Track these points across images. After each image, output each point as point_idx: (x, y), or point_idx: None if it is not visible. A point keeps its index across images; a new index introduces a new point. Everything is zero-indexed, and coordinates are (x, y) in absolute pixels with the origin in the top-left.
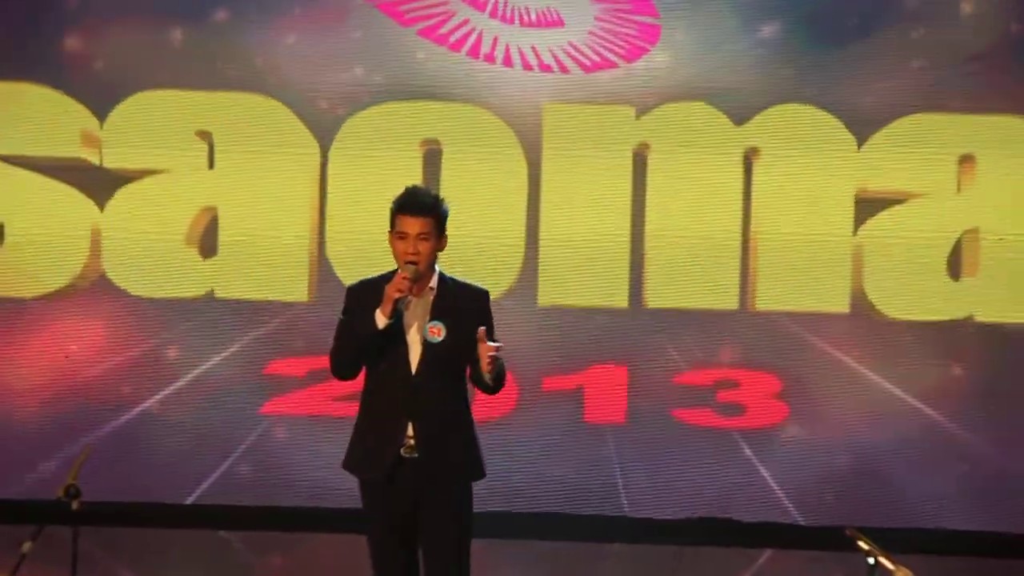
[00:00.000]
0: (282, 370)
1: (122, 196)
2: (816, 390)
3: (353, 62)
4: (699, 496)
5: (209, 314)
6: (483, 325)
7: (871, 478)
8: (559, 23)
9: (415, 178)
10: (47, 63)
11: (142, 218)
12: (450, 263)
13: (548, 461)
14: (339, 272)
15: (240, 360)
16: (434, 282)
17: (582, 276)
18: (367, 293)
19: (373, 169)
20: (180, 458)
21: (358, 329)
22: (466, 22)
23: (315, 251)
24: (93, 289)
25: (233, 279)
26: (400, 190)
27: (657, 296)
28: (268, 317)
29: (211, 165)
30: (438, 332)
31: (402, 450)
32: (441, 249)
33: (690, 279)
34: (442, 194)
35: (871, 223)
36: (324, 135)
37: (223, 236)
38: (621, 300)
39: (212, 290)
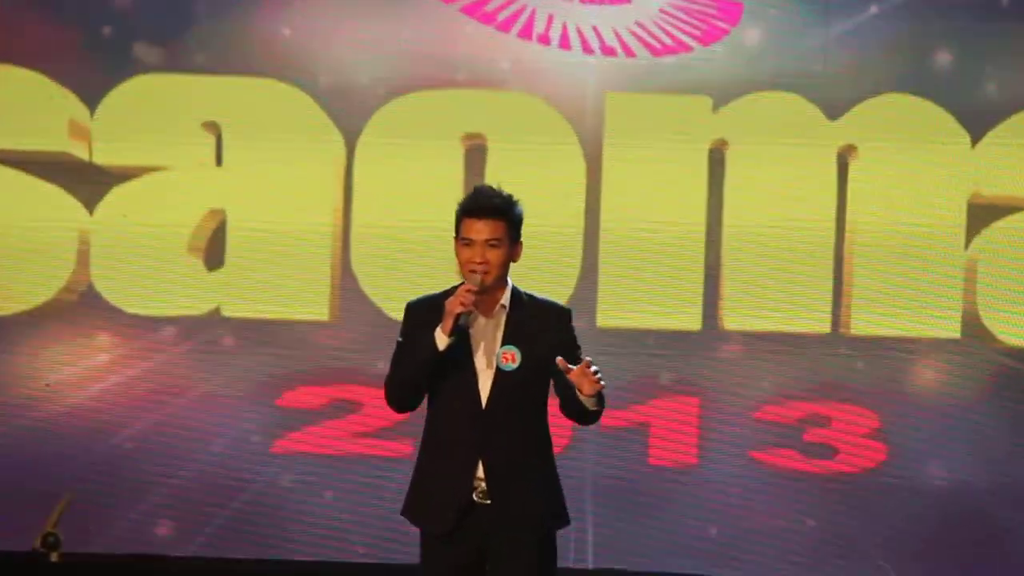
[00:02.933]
0: (298, 401)
1: (115, 197)
2: (920, 429)
3: (384, 43)
4: (781, 553)
5: (214, 335)
6: (565, 348)
7: (983, 531)
8: (625, 0)
9: (455, 178)
10: (29, 42)
11: (138, 222)
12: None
13: (606, 510)
14: (366, 288)
15: (250, 389)
16: (506, 298)
17: (648, 293)
18: (430, 311)
19: (407, 167)
20: (176, 503)
21: (416, 352)
22: None
23: (338, 263)
24: (80, 304)
25: (243, 294)
26: (438, 190)
27: (735, 316)
28: (283, 339)
29: (219, 161)
30: (512, 358)
31: (474, 495)
32: (515, 259)
33: (774, 296)
34: None
35: (986, 233)
36: (350, 128)
37: (232, 244)
38: (693, 321)
39: (218, 307)
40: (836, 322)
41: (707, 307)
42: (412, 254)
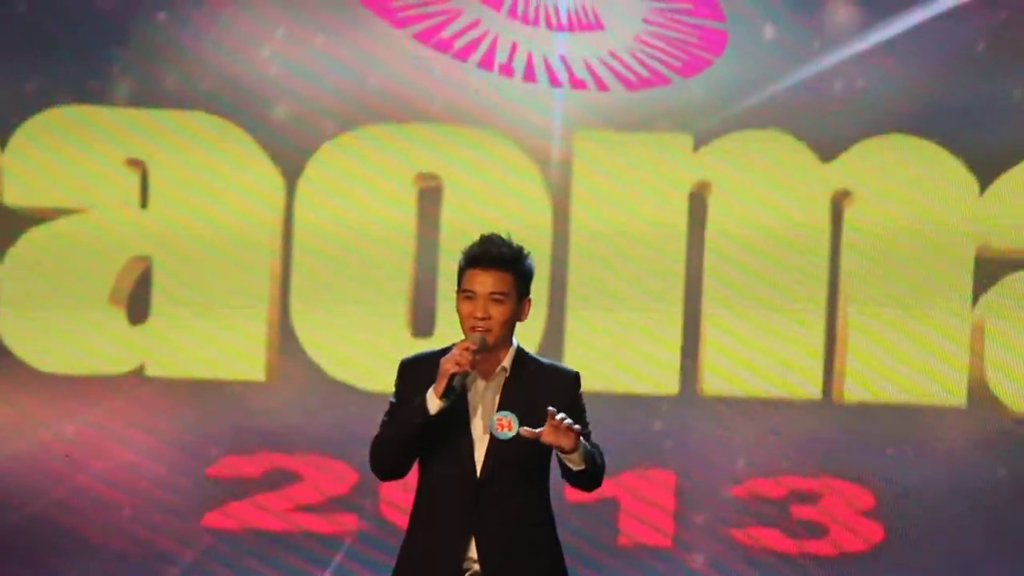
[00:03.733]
0: (231, 470)
1: (27, 242)
2: (921, 507)
3: (329, 73)
4: None
5: (138, 396)
6: (571, 414)
7: None
8: (597, 26)
9: (407, 223)
10: None
11: (53, 270)
12: (454, 336)
13: None
14: (307, 346)
15: (177, 456)
16: (508, 360)
17: (622, 354)
18: (425, 369)
19: (353, 210)
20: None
21: (406, 414)
22: (476, 23)
23: (276, 318)
24: None
25: (169, 352)
26: (388, 236)
27: (716, 379)
28: (214, 401)
29: (144, 203)
30: (508, 425)
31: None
32: (522, 318)
33: (759, 359)
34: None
35: (995, 291)
36: (291, 166)
37: (157, 296)
38: (670, 385)
39: (142, 365)
40: (828, 387)
41: (685, 370)
42: (358, 309)
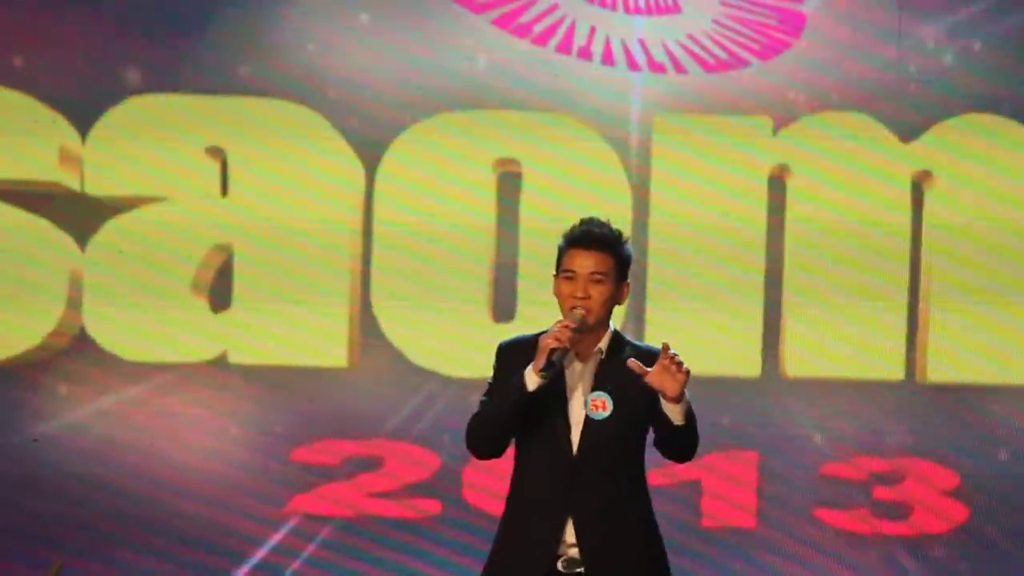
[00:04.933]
0: (313, 457)
1: (109, 231)
2: (1006, 486)
3: (409, 60)
4: None
5: (220, 383)
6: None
7: None
8: (675, 9)
9: (487, 208)
10: (10, 57)
11: (135, 259)
12: (534, 322)
13: None
14: (388, 332)
15: (259, 442)
16: (604, 343)
17: (703, 336)
18: (522, 353)
19: (433, 197)
20: (181, 566)
21: (505, 392)
22: (555, 7)
23: (358, 304)
24: (71, 350)
25: (252, 339)
26: (469, 222)
27: (798, 362)
28: (296, 388)
29: (224, 191)
30: (602, 406)
31: (559, 563)
32: (620, 301)
33: (842, 339)
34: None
35: None
36: (370, 153)
37: (240, 283)
38: (752, 367)
39: (225, 352)
40: (912, 368)
41: (767, 351)
42: (439, 295)
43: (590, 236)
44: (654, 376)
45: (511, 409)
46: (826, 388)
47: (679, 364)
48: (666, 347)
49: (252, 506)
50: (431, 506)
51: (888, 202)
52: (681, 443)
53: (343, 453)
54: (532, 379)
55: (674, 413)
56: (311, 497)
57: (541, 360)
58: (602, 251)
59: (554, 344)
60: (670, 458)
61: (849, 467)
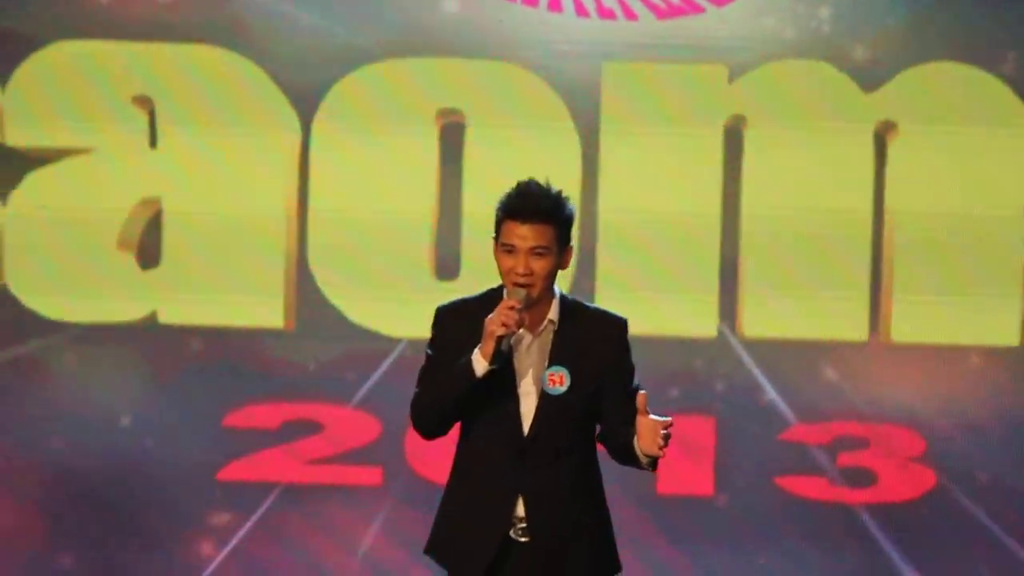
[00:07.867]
0: (247, 421)
1: (31, 184)
2: (974, 451)
3: (345, 6)
4: None
5: (149, 344)
6: (618, 367)
7: None
8: None
9: (429, 161)
10: None
11: (59, 213)
12: (479, 279)
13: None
14: (326, 289)
15: (191, 406)
16: (554, 312)
17: (654, 294)
18: (463, 320)
19: (371, 149)
20: (97, 541)
21: (451, 374)
22: None
23: (293, 260)
24: None
25: (182, 297)
26: (409, 176)
27: (757, 322)
28: (229, 349)
29: (153, 143)
30: (560, 380)
31: (511, 532)
32: (564, 266)
33: (800, 300)
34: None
35: None
36: (306, 102)
37: (169, 239)
38: (707, 327)
39: (154, 312)
40: (875, 327)
41: (723, 310)
42: (378, 250)
43: (528, 208)
44: (642, 427)
45: (457, 393)
46: (786, 349)
47: (666, 438)
48: (667, 424)
49: (185, 473)
50: (372, 473)
51: (850, 153)
52: (626, 461)
53: (280, 417)
54: (480, 365)
55: (641, 458)
56: (245, 464)
57: (488, 346)
58: (543, 221)
59: (502, 331)
60: (610, 453)
61: (810, 432)
